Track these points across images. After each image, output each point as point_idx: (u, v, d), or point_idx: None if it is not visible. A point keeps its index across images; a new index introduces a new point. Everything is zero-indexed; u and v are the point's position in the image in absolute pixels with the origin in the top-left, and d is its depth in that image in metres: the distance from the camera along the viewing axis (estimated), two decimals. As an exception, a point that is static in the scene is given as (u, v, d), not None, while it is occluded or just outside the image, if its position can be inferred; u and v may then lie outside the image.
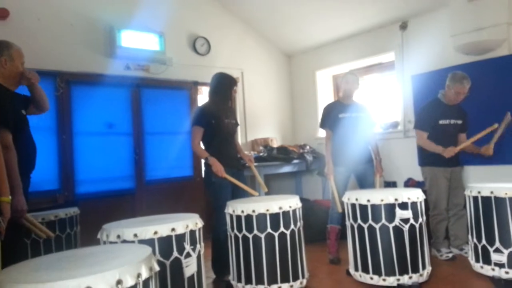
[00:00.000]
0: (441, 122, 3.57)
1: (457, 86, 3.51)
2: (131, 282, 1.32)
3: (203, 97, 5.25)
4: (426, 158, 3.64)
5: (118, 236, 2.02)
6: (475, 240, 2.96)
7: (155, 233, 2.04)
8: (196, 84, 5.18)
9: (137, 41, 4.55)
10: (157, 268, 1.51)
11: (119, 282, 1.28)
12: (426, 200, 3.02)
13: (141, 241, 1.98)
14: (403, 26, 4.84)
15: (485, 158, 3.61)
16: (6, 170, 2.01)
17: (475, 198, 2.95)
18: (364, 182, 3.64)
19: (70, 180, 4.12)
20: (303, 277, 2.79)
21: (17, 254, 1.84)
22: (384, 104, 5.34)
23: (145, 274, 1.39)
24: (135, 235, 2.01)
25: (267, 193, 3.50)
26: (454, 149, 3.44)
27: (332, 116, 3.68)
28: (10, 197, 1.68)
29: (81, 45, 4.33)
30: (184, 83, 5.08)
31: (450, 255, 3.51)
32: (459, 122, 3.63)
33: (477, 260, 2.95)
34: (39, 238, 2.59)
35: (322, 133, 5.68)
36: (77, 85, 4.28)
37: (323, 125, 3.77)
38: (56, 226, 3.06)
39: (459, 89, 3.51)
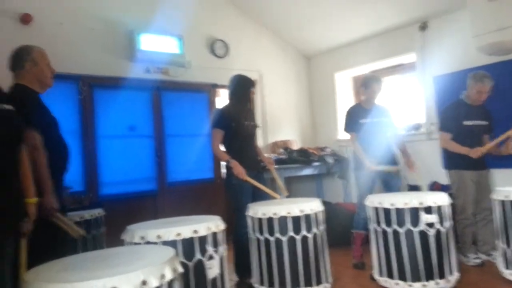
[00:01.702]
0: (465, 123, 3.49)
1: (478, 85, 3.43)
2: (155, 283, 1.33)
3: (221, 99, 5.26)
4: (452, 161, 3.55)
5: (142, 237, 2.02)
6: (503, 245, 2.87)
7: (178, 234, 2.04)
8: (214, 86, 5.19)
9: (156, 44, 4.59)
10: (180, 269, 1.50)
11: (143, 283, 1.29)
12: (452, 204, 2.94)
13: (164, 243, 1.98)
14: (423, 27, 4.77)
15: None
16: (35, 171, 2.05)
17: (502, 202, 2.87)
18: (389, 186, 3.58)
19: (94, 182, 4.18)
20: (326, 281, 2.75)
21: (48, 254, 1.87)
22: (406, 106, 5.26)
23: (168, 276, 1.40)
24: (159, 237, 2.01)
25: (287, 196, 3.46)
26: (481, 149, 3.34)
27: (353, 121, 3.64)
28: (36, 198, 1.70)
29: (102, 49, 4.39)
30: (203, 86, 5.10)
31: (478, 260, 3.41)
32: (484, 123, 3.54)
33: (507, 266, 2.85)
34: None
35: (342, 135, 5.64)
36: (99, 89, 4.34)
37: (347, 129, 3.72)
38: (81, 227, 3.09)
39: (480, 88, 3.43)
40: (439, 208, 2.76)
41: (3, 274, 1.44)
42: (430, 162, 4.56)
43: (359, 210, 3.56)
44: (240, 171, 3.11)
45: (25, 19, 3.88)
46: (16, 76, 2.32)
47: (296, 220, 2.66)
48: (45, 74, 2.37)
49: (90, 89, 4.27)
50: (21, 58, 2.31)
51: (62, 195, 2.48)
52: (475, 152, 3.35)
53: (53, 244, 2.15)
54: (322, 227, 2.80)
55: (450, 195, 3.10)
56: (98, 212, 3.28)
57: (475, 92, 3.46)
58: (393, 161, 3.64)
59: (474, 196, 3.49)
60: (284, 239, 2.64)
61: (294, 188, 5.63)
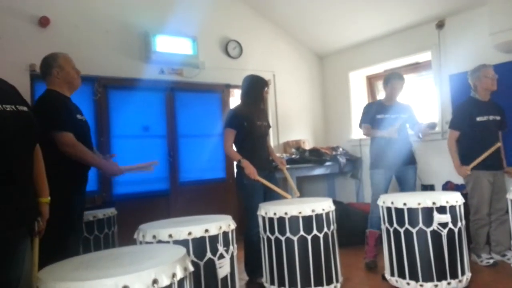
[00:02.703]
0: (478, 119, 3.45)
1: (482, 72, 3.45)
2: (167, 282, 1.34)
3: (235, 99, 5.29)
4: (467, 161, 3.50)
5: (154, 237, 2.06)
6: (518, 246, 2.83)
7: (189, 234, 2.06)
8: (228, 87, 5.23)
9: (171, 45, 4.64)
10: (191, 268, 1.52)
11: (155, 281, 1.31)
12: (465, 204, 2.91)
13: (176, 242, 2.01)
14: (440, 25, 4.71)
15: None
16: (80, 163, 2.40)
17: (518, 202, 2.81)
18: (404, 184, 3.56)
19: (107, 182, 4.25)
20: (337, 281, 2.75)
21: (67, 251, 1.95)
22: (421, 105, 5.20)
23: (180, 274, 1.41)
24: (170, 236, 2.04)
25: (299, 197, 3.47)
26: (467, 169, 3.42)
27: (370, 116, 3.62)
28: (49, 198, 1.75)
29: (118, 51, 4.46)
30: (216, 86, 5.14)
31: (491, 261, 3.36)
32: (498, 118, 3.51)
33: (521, 267, 2.82)
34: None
35: (355, 135, 5.62)
36: (114, 90, 4.41)
37: (360, 123, 3.71)
38: (94, 226, 3.16)
39: (486, 73, 3.44)
40: (452, 208, 2.73)
41: (19, 273, 1.49)
42: (445, 161, 4.49)
43: (373, 209, 3.54)
44: (251, 171, 3.13)
45: (43, 22, 3.96)
46: (47, 83, 2.55)
47: (307, 220, 2.66)
48: (72, 76, 2.57)
49: (105, 90, 4.34)
50: (48, 65, 2.53)
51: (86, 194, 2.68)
52: (463, 171, 3.45)
53: (64, 243, 2.23)
54: (333, 227, 2.80)
55: (465, 195, 3.07)
56: (110, 211, 3.34)
57: (483, 81, 3.45)
58: (411, 160, 3.61)
59: (489, 196, 3.45)
60: (295, 238, 2.65)
61: (306, 188, 5.62)
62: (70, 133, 2.38)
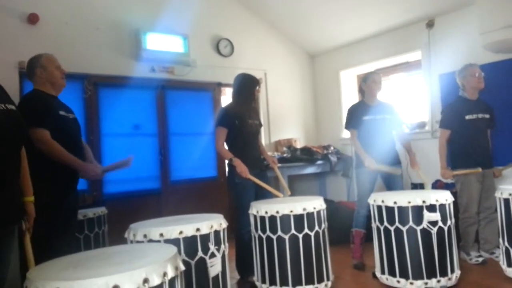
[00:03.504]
0: (467, 117, 3.48)
1: (469, 71, 3.49)
2: (157, 281, 1.34)
3: (226, 98, 5.28)
4: (458, 161, 3.54)
5: (145, 236, 2.05)
6: (506, 243, 2.86)
7: (181, 233, 2.06)
8: (219, 85, 5.21)
9: (162, 43, 4.61)
10: (182, 267, 1.52)
11: (145, 280, 1.30)
12: (455, 202, 2.94)
13: (167, 241, 2.00)
14: (430, 24, 4.74)
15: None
16: (53, 162, 2.32)
17: (506, 200, 2.86)
18: (391, 184, 3.57)
19: (98, 180, 4.19)
20: (328, 279, 2.77)
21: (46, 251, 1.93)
22: (411, 104, 5.24)
23: (171, 273, 1.40)
24: (161, 235, 2.03)
25: (290, 195, 3.48)
26: (450, 173, 3.50)
27: (355, 118, 3.62)
28: (33, 197, 1.74)
29: (108, 48, 4.42)
30: (207, 85, 5.13)
31: (480, 259, 3.40)
32: (487, 116, 3.54)
33: (509, 265, 2.85)
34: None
35: (346, 133, 5.64)
36: (104, 88, 4.38)
37: (347, 126, 3.71)
38: (84, 225, 3.14)
39: (472, 72, 3.48)
40: (441, 206, 2.76)
41: (5, 272, 1.47)
42: (434, 160, 4.52)
43: (358, 208, 3.56)
44: (243, 169, 3.12)
45: (32, 19, 3.92)
46: (33, 83, 2.60)
47: (298, 218, 2.67)
48: (55, 76, 2.59)
49: (95, 88, 4.30)
50: (32, 66, 2.57)
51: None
52: (444, 174, 3.53)
53: (51, 242, 2.22)
54: (324, 225, 2.82)
55: (454, 193, 3.10)
56: (101, 210, 3.32)
57: (470, 79, 3.49)
58: (396, 161, 3.62)
59: (479, 195, 3.49)
60: (286, 237, 2.65)
61: (297, 187, 5.64)
62: (45, 130, 2.37)
